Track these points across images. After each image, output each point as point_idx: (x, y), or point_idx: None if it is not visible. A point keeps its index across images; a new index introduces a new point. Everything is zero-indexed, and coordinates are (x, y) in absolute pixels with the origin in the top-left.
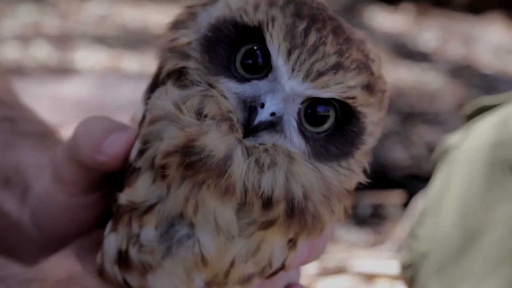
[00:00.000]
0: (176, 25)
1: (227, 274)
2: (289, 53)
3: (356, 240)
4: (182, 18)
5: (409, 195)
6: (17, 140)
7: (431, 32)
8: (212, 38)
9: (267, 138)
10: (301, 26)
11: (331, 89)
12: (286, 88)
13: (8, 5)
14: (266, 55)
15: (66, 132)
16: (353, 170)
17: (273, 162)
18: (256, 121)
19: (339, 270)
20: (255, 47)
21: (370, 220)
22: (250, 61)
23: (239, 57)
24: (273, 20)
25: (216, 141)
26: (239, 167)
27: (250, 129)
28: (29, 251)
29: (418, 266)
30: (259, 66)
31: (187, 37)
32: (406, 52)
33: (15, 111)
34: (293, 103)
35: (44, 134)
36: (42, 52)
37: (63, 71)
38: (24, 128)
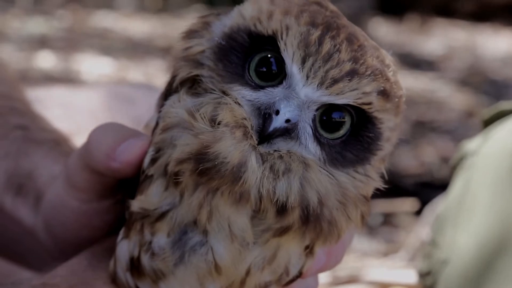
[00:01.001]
0: (190, 34)
1: (242, 282)
2: (304, 61)
3: (368, 249)
4: (195, 28)
5: (420, 203)
6: (30, 148)
7: (437, 41)
8: (225, 47)
9: (282, 145)
10: (315, 34)
11: (346, 95)
12: (301, 95)
13: (15, 17)
14: (280, 62)
15: (77, 140)
16: (370, 176)
17: (287, 168)
18: (271, 128)
19: (352, 280)
20: (269, 55)
21: (381, 228)
22: (264, 69)
23: (253, 65)
24: (287, 28)
25: (230, 147)
26: (254, 173)
27: (265, 136)
28: (42, 258)
29: (438, 273)
30: (273, 74)
31: (201, 46)
32: (412, 61)
33: (28, 119)
34: (308, 110)
35: (57, 142)
36: (48, 64)
37: (69, 82)
38: (37, 136)
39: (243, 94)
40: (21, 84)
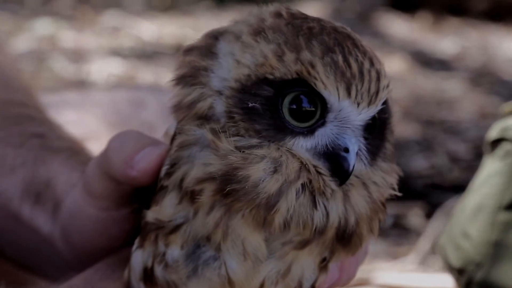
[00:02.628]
0: (181, 80)
1: None
2: (349, 90)
3: (377, 251)
4: (185, 73)
5: (431, 205)
6: (48, 156)
7: (449, 40)
8: (245, 102)
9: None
10: (339, 58)
11: (381, 101)
12: (357, 123)
13: (24, 19)
14: (313, 98)
15: (90, 146)
16: (390, 173)
17: (331, 194)
18: (351, 168)
19: (362, 282)
20: (300, 96)
21: (391, 231)
22: (302, 110)
23: (285, 111)
24: (311, 65)
25: (265, 176)
26: (288, 204)
27: (348, 176)
28: (59, 268)
29: (472, 275)
30: (310, 112)
31: (205, 101)
32: (424, 60)
33: (45, 127)
34: (359, 130)
35: (74, 151)
36: (58, 65)
37: (79, 83)
38: (54, 144)
39: (301, 144)
40: (35, 91)
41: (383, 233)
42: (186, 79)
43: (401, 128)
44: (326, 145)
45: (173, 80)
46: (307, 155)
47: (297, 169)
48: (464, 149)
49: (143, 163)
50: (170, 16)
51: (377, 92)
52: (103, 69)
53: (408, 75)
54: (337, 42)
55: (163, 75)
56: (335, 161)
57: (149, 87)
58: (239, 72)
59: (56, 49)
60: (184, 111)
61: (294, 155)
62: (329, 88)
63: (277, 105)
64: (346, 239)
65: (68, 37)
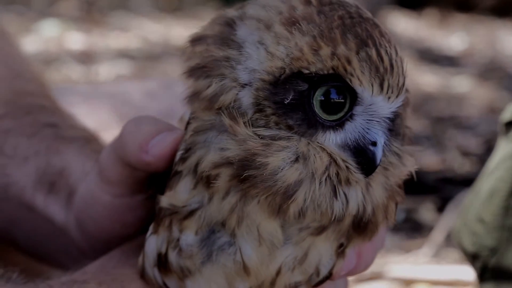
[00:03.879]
0: (194, 72)
1: (273, 282)
2: (382, 85)
3: (390, 245)
4: (197, 64)
5: (442, 199)
6: (61, 145)
7: (457, 36)
8: (278, 96)
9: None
10: (373, 53)
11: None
12: (386, 115)
13: (31, 21)
14: (344, 91)
15: (102, 137)
16: (408, 156)
17: (350, 183)
18: (378, 161)
19: (375, 276)
20: (330, 89)
21: (403, 225)
22: (332, 104)
23: (316, 103)
24: (348, 61)
25: (285, 164)
26: (306, 194)
27: (374, 169)
28: (73, 257)
29: (486, 261)
30: (340, 104)
31: (229, 93)
32: (431, 56)
33: (58, 117)
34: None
35: (87, 140)
36: (65, 66)
37: (88, 84)
38: (67, 133)
39: (331, 139)
40: (47, 82)
41: (396, 227)
42: (200, 70)
43: (411, 124)
44: (355, 139)
45: (185, 72)
46: (337, 150)
47: (326, 163)
48: (475, 143)
49: (158, 148)
50: (177, 17)
51: (403, 84)
52: (111, 70)
53: (417, 72)
54: (368, 34)
55: (171, 75)
56: (363, 155)
57: (158, 79)
58: (272, 65)
59: (63, 50)
60: (204, 103)
61: (323, 149)
62: (364, 84)
63: (309, 98)
64: (362, 227)
65: (76, 38)
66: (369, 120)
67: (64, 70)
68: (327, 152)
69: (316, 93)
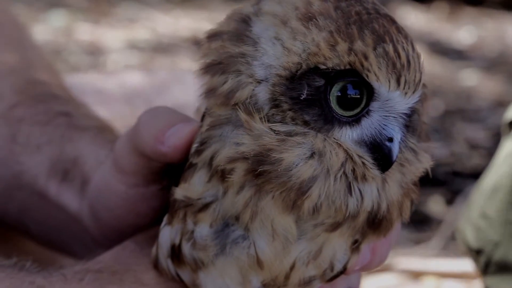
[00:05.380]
0: (210, 69)
1: (287, 276)
2: (399, 82)
3: (399, 237)
4: (213, 60)
5: (451, 192)
6: (75, 134)
7: (465, 30)
8: (295, 91)
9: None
10: (390, 48)
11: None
12: (403, 111)
13: (39, 11)
14: (360, 87)
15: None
16: (424, 152)
17: (366, 179)
18: (395, 157)
19: (384, 268)
20: (347, 85)
21: (412, 217)
22: (349, 100)
23: (333, 99)
24: (365, 57)
25: (299, 160)
26: (321, 190)
27: (390, 165)
28: (87, 245)
29: (490, 255)
30: (357, 100)
31: (245, 89)
32: (441, 50)
33: (71, 106)
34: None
35: (101, 129)
36: (73, 57)
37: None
38: (81, 122)
39: (347, 135)
40: (59, 71)
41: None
42: (216, 66)
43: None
44: (372, 135)
45: (201, 68)
46: (353, 146)
47: (342, 159)
48: (483, 136)
49: (174, 139)
50: (185, 8)
51: (420, 79)
52: (119, 61)
53: (426, 65)
54: (385, 30)
55: (179, 66)
56: (379, 151)
57: (171, 71)
58: (288, 60)
59: (71, 41)
60: (220, 99)
61: (340, 146)
62: (381, 79)
63: (326, 94)
64: (376, 224)
65: (84, 29)
66: (386, 116)
67: (72, 60)
68: (343, 148)
69: (333, 89)
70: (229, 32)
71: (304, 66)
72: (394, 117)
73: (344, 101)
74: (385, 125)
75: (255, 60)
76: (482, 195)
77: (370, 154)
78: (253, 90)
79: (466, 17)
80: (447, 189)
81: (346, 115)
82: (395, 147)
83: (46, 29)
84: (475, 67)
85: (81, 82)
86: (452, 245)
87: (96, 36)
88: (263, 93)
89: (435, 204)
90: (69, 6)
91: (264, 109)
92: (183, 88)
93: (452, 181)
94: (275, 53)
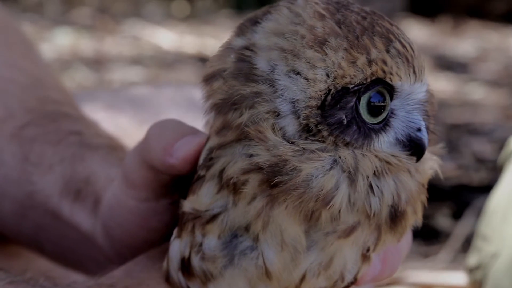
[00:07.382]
0: (223, 107)
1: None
2: (415, 72)
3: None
4: (221, 100)
5: (458, 205)
6: (86, 153)
7: (470, 43)
8: (330, 116)
9: None
10: (398, 45)
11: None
12: (422, 98)
13: (44, 29)
14: (382, 91)
15: (125, 143)
16: (432, 156)
17: (384, 172)
18: (427, 144)
19: (393, 282)
20: (371, 94)
21: (420, 231)
22: (377, 108)
23: (364, 111)
24: (384, 62)
25: (318, 172)
26: (343, 197)
27: (423, 152)
28: (99, 264)
29: (487, 267)
30: (383, 103)
31: (272, 111)
32: (445, 63)
33: (82, 124)
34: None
35: (112, 147)
36: (79, 74)
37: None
38: (92, 141)
39: (385, 141)
40: (69, 89)
41: (413, 233)
42: (227, 105)
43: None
44: (404, 132)
45: (210, 109)
46: (390, 149)
47: (375, 167)
48: (490, 149)
49: (183, 151)
50: (189, 24)
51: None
52: (124, 77)
53: (430, 78)
54: (386, 29)
55: (184, 82)
56: (413, 143)
57: (178, 86)
58: (316, 89)
59: (77, 58)
60: (237, 132)
61: (375, 155)
62: (402, 78)
63: (357, 109)
64: (396, 219)
65: (89, 46)
66: (409, 110)
67: (77, 77)
68: (377, 156)
69: (361, 102)
70: (229, 72)
71: (333, 90)
72: (416, 107)
73: (373, 110)
74: (411, 118)
75: (276, 98)
76: (482, 222)
77: (405, 150)
78: (277, 124)
79: (470, 31)
80: (454, 203)
81: (376, 122)
82: (424, 135)
83: (51, 47)
84: (480, 80)
85: (91, 98)
86: (460, 258)
87: (101, 53)
88: (291, 126)
89: (442, 218)
90: (74, 23)
91: (295, 139)
92: (191, 103)
93: (459, 194)
94: (298, 87)
